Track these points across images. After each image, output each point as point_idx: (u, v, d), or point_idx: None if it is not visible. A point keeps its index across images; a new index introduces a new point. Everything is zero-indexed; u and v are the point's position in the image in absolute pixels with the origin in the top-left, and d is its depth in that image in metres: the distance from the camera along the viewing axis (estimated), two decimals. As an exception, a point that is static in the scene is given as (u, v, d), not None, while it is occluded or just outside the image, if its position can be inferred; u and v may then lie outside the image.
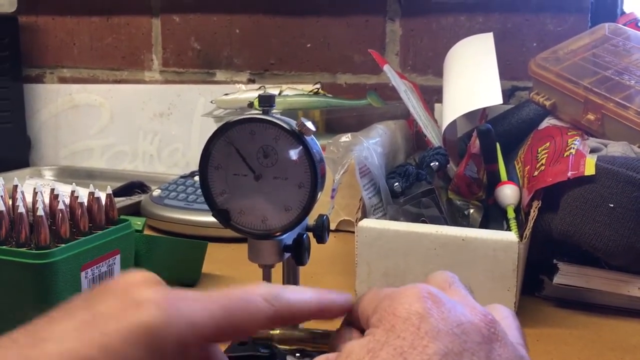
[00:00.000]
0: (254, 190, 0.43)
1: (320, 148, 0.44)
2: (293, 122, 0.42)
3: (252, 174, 0.42)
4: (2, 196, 0.55)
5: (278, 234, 0.43)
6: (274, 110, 1.05)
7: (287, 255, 0.45)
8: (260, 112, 0.43)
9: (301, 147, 0.42)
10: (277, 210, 0.43)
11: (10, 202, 0.56)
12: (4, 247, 0.51)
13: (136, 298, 0.29)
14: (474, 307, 0.31)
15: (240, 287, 0.32)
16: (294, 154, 0.42)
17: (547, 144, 0.72)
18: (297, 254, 0.45)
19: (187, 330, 0.29)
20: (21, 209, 0.52)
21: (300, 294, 0.34)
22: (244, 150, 0.43)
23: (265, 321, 0.32)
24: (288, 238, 0.45)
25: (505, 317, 0.34)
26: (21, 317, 0.50)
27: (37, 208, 0.52)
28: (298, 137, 0.42)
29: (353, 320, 0.35)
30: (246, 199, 0.43)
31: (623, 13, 1.00)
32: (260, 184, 0.43)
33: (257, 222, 0.43)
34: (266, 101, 0.42)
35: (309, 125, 0.42)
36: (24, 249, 0.51)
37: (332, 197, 0.69)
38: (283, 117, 0.43)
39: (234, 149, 0.42)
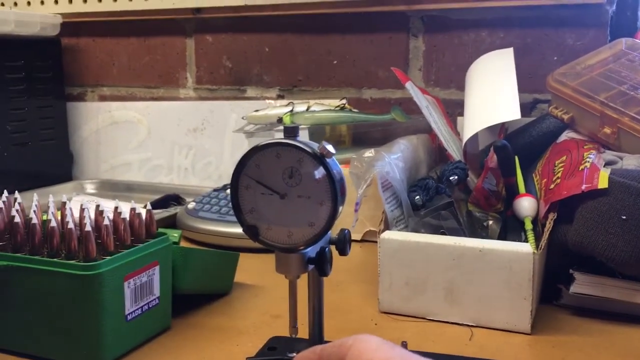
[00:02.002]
0: (280, 207, 0.47)
1: (340, 168, 0.47)
2: (315, 145, 0.46)
3: (276, 194, 0.47)
4: (53, 212, 0.60)
5: (302, 247, 0.47)
6: (302, 126, 1.09)
7: (310, 267, 0.49)
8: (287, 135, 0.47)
9: (322, 168, 0.46)
10: (301, 226, 0.47)
11: (60, 218, 0.62)
12: (55, 259, 0.56)
13: None
14: None
15: None
16: (316, 174, 0.46)
17: (564, 157, 0.74)
18: (320, 266, 0.49)
19: None
20: (70, 225, 0.57)
21: None
22: (270, 171, 0.47)
23: None
24: (312, 251, 0.49)
25: None
26: (69, 323, 0.56)
27: (85, 223, 0.57)
28: (320, 159, 0.46)
29: None
30: (273, 216, 0.47)
31: (644, 26, 1.01)
32: (286, 202, 0.47)
33: (283, 237, 0.47)
34: (291, 132, 0.47)
35: (330, 148, 0.46)
36: (73, 261, 0.56)
37: (356, 211, 0.72)
38: (306, 141, 0.47)
39: (259, 173, 0.46)
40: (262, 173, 0.47)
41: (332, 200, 0.46)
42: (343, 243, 0.51)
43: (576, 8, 0.99)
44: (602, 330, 0.64)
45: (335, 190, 0.46)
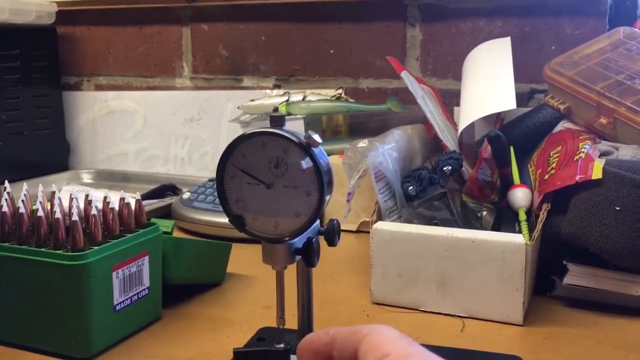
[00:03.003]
0: (266, 197, 0.46)
1: (327, 158, 0.47)
2: (301, 135, 0.46)
3: (262, 184, 0.46)
4: (41, 202, 0.60)
5: (288, 238, 0.47)
6: (298, 116, 1.08)
7: (298, 257, 0.49)
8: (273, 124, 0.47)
9: (309, 158, 0.45)
10: (287, 216, 0.46)
11: (49, 207, 0.61)
12: (42, 249, 0.56)
13: None
14: None
15: None
16: (302, 164, 0.45)
17: (559, 147, 0.74)
18: (307, 256, 0.48)
19: None
20: (58, 214, 0.56)
21: None
22: (256, 161, 0.46)
23: None
24: (299, 242, 0.48)
25: None
26: (57, 313, 0.55)
27: (72, 213, 0.57)
28: (306, 149, 0.45)
29: (323, 346, 0.36)
30: (259, 206, 0.47)
31: (643, 15, 1.00)
32: (272, 192, 0.46)
33: (269, 227, 0.47)
34: (277, 121, 0.46)
35: (316, 137, 0.45)
36: (60, 251, 0.55)
37: (348, 201, 0.72)
38: (292, 130, 0.46)
39: (245, 162, 0.46)
40: (248, 162, 0.46)
41: (319, 190, 0.45)
42: (331, 234, 0.50)
43: (574, -4, 0.98)
44: (596, 322, 0.64)
45: (321, 180, 0.45)
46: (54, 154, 1.33)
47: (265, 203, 0.47)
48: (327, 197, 0.46)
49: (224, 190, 0.47)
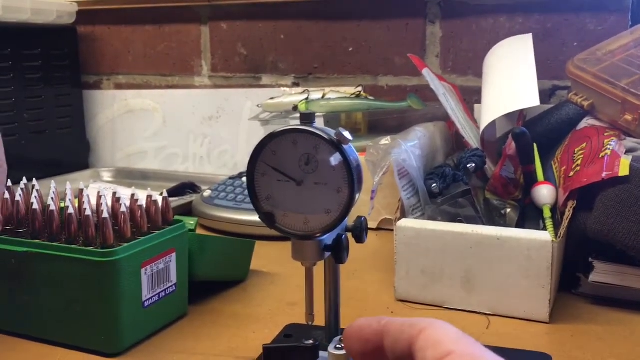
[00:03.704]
0: (297, 194, 0.47)
1: (357, 155, 0.47)
2: (332, 132, 0.46)
3: (293, 181, 0.46)
4: (70, 199, 0.60)
5: (319, 235, 0.47)
6: (318, 114, 1.09)
7: (327, 254, 0.49)
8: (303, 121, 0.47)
9: (339, 154, 0.45)
10: (318, 213, 0.46)
11: (77, 205, 0.62)
12: (73, 246, 0.57)
13: None
14: None
15: None
16: (332, 161, 0.46)
17: (584, 144, 0.73)
18: (337, 253, 0.48)
19: None
20: (88, 212, 0.57)
21: None
22: (286, 158, 0.46)
23: None
24: (328, 239, 0.48)
25: None
26: (87, 309, 0.56)
27: (102, 210, 0.57)
28: (336, 145, 0.45)
29: (373, 335, 0.34)
30: (289, 203, 0.47)
31: (666, 10, 0.99)
32: (302, 189, 0.47)
33: (299, 224, 0.47)
34: (307, 118, 0.46)
35: (346, 134, 0.45)
36: (90, 248, 0.56)
37: (372, 199, 0.72)
38: (323, 127, 0.46)
39: (276, 160, 0.46)
40: (278, 160, 0.47)
41: (349, 187, 0.45)
42: (359, 230, 0.50)
43: (597, -8, 0.97)
44: (622, 319, 0.63)
45: (352, 177, 0.45)
46: (75, 153, 1.34)
47: (296, 200, 0.47)
48: (358, 194, 0.46)
49: (254, 188, 0.48)
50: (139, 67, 1.35)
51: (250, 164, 0.47)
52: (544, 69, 0.97)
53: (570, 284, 0.69)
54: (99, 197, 0.61)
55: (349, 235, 0.50)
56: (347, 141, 0.45)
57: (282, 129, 0.46)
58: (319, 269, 0.52)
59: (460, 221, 0.69)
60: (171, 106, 1.32)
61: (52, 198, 0.60)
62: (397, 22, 1.12)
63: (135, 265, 0.57)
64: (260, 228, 0.86)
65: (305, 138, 0.46)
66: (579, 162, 0.70)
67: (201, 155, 1.29)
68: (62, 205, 0.61)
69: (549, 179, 0.75)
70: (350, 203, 0.46)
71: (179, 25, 1.29)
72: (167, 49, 1.31)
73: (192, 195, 1.08)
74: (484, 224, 0.70)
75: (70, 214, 0.57)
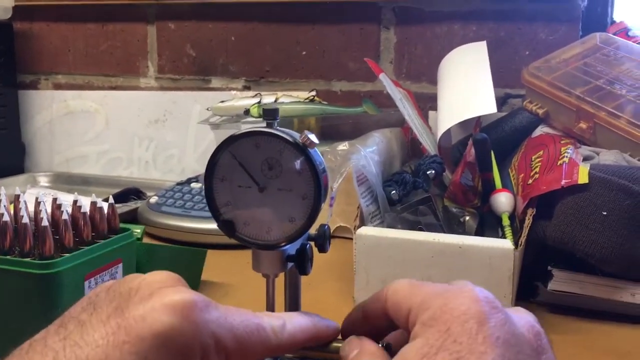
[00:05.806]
0: (259, 201, 0.44)
1: (322, 159, 0.44)
2: (297, 135, 0.43)
3: (256, 186, 0.43)
4: (5, 206, 0.55)
5: (282, 244, 0.44)
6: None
7: (290, 265, 0.46)
8: (264, 124, 0.44)
9: (305, 159, 0.43)
10: (281, 221, 0.44)
11: (13, 212, 0.57)
12: (8, 257, 0.52)
13: (165, 302, 0.29)
14: (521, 316, 0.30)
15: (250, 313, 0.33)
16: (297, 166, 0.43)
17: (541, 152, 0.73)
18: (300, 264, 0.45)
19: (210, 341, 0.29)
20: (25, 219, 0.52)
21: (301, 324, 0.35)
22: (248, 163, 0.43)
23: (268, 352, 0.33)
24: (291, 248, 0.46)
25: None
26: (26, 326, 0.51)
27: (42, 218, 0.52)
28: (302, 149, 0.42)
29: (363, 320, 0.38)
30: (251, 210, 0.44)
31: (613, 22, 1.02)
32: (265, 195, 0.44)
33: (261, 233, 0.44)
34: (271, 114, 0.43)
35: (313, 137, 0.42)
36: (28, 259, 0.51)
37: (331, 205, 0.70)
38: (287, 130, 0.44)
39: (237, 162, 0.43)
40: (239, 164, 0.43)
41: (315, 193, 0.43)
42: (323, 239, 0.48)
43: (549, 2, 0.98)
44: (582, 329, 0.63)
45: (318, 182, 0.42)
46: (9, 156, 1.26)
47: (258, 207, 0.44)
48: (323, 201, 0.44)
49: (212, 194, 0.44)
50: (80, 66, 1.28)
51: (209, 169, 0.44)
52: (496, 76, 0.97)
53: (528, 293, 0.69)
54: (37, 204, 0.56)
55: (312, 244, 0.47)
56: (313, 145, 0.43)
57: (244, 131, 0.43)
58: (277, 280, 0.49)
59: (420, 229, 0.68)
60: (114, 108, 1.26)
61: (-16, 204, 0.55)
62: (351, 27, 1.10)
63: (78, 278, 0.52)
64: (212, 236, 0.83)
65: (268, 141, 0.43)
66: (537, 169, 0.70)
67: (146, 159, 1.24)
68: (-4, 212, 0.55)
69: (506, 186, 0.74)
70: (316, 210, 0.43)
71: (123, 24, 1.24)
72: (110, 49, 1.26)
73: (136, 202, 1.03)
74: (444, 232, 0.69)
75: (5, 222, 0.52)
